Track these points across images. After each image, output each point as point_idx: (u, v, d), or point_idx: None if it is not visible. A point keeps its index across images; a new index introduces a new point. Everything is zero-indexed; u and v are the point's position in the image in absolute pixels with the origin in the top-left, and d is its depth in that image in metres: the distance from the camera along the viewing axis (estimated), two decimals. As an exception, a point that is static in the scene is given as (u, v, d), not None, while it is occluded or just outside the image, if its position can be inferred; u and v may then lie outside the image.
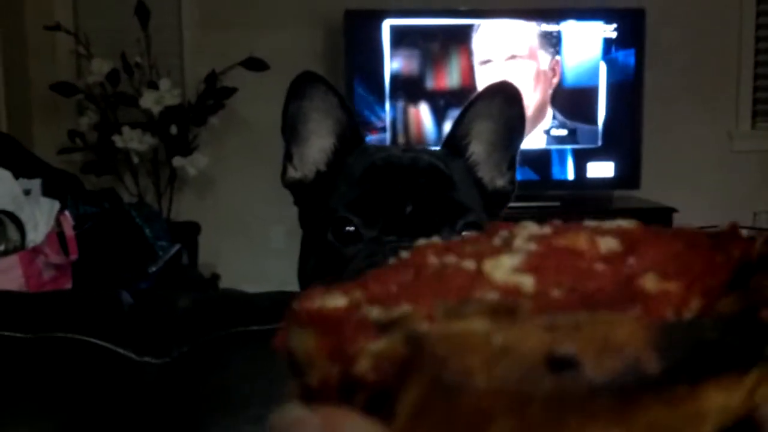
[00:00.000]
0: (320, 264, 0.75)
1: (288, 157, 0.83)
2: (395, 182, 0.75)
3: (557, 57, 3.41)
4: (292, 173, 0.83)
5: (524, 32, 3.41)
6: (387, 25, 3.37)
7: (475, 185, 0.82)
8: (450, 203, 0.75)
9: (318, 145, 0.81)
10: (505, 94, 0.82)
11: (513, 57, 3.37)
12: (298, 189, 0.83)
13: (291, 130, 0.81)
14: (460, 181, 0.78)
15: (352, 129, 0.81)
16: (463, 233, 0.75)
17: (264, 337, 0.61)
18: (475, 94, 0.83)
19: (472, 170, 0.83)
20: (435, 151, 0.82)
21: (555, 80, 3.42)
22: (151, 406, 0.57)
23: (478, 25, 3.40)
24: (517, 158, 0.87)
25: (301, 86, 0.79)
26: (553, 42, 3.40)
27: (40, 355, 0.59)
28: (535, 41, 3.40)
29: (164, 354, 0.60)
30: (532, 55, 3.40)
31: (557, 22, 3.41)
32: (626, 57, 3.42)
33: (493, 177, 0.85)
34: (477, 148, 0.83)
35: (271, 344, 0.61)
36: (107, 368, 0.59)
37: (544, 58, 3.41)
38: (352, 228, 0.73)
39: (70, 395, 0.58)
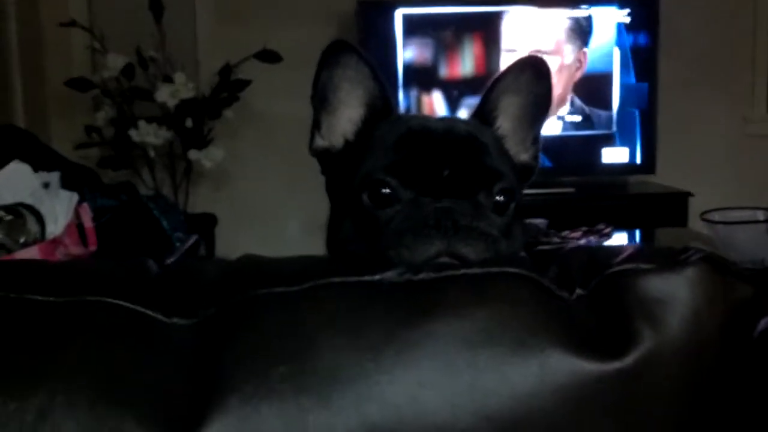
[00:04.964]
0: (355, 228, 0.76)
1: (316, 126, 0.83)
2: (432, 147, 0.75)
3: (585, 49, 3.40)
4: (320, 142, 0.83)
5: (551, 23, 3.40)
6: (399, 14, 3.37)
7: (507, 157, 0.83)
8: (486, 168, 0.76)
9: (347, 115, 0.82)
10: (535, 70, 0.82)
11: (537, 51, 3.36)
12: (324, 158, 0.84)
13: (321, 99, 0.81)
14: (494, 149, 0.79)
15: (384, 100, 0.82)
16: (497, 198, 0.75)
17: (289, 299, 0.62)
18: (504, 68, 0.83)
19: (501, 143, 0.83)
20: (467, 120, 0.83)
21: (579, 73, 3.41)
22: (180, 365, 0.59)
23: (494, 13, 3.40)
24: (540, 134, 0.87)
25: (334, 55, 0.79)
26: (582, 33, 3.39)
27: (70, 318, 0.60)
28: (562, 34, 3.39)
29: (192, 315, 0.61)
30: (557, 50, 3.39)
31: (575, 7, 3.39)
32: (640, 42, 3.41)
33: (518, 151, 0.85)
34: (504, 122, 0.84)
35: (295, 306, 0.62)
36: (136, 329, 0.60)
37: (569, 51, 3.40)
38: (388, 190, 0.73)
39: (102, 357, 0.59)
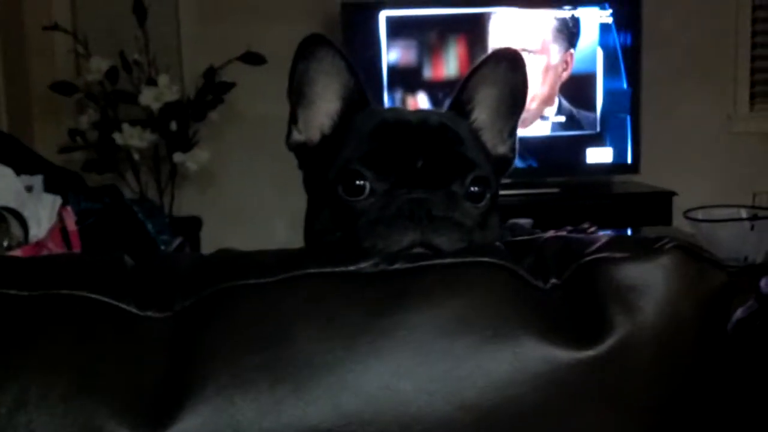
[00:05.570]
0: (330, 219, 0.76)
1: (293, 120, 0.83)
2: (406, 138, 0.75)
3: (571, 50, 3.41)
4: (297, 136, 0.83)
5: (537, 24, 3.41)
6: (383, 16, 3.37)
7: (482, 147, 0.83)
8: (460, 158, 0.76)
9: (324, 109, 0.82)
10: (510, 62, 0.83)
11: (523, 50, 3.36)
12: (302, 152, 0.84)
13: (297, 93, 0.82)
14: (468, 139, 0.79)
15: (359, 93, 0.82)
16: (471, 188, 0.76)
17: (264, 290, 0.62)
18: (479, 60, 0.83)
19: (477, 134, 0.84)
20: (442, 112, 0.83)
21: (565, 74, 3.42)
22: (154, 358, 0.58)
23: (478, 15, 3.41)
24: (518, 126, 0.87)
25: (309, 49, 0.79)
26: (569, 34, 3.40)
27: (44, 311, 0.60)
28: (549, 35, 3.40)
29: (166, 308, 0.61)
30: (544, 50, 3.40)
31: (559, 8, 3.41)
32: (623, 42, 3.43)
33: (495, 144, 0.85)
34: (480, 114, 0.84)
35: (270, 297, 0.62)
36: (110, 323, 0.60)
37: (556, 51, 3.41)
38: (363, 181, 0.74)
39: (76, 350, 0.59)
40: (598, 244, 0.65)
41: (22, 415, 0.55)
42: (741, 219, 2.07)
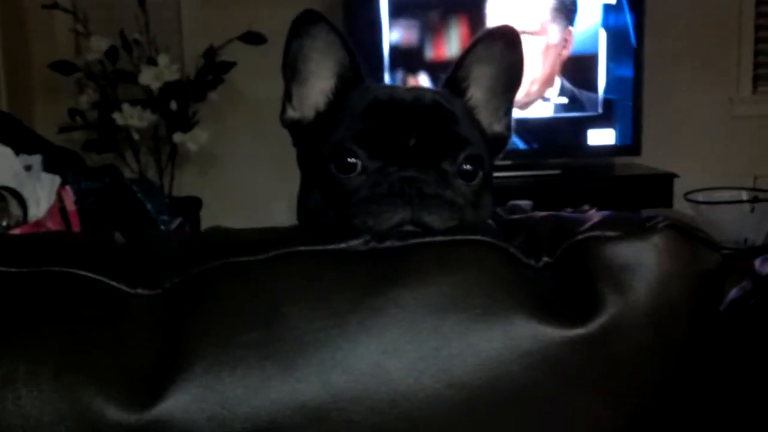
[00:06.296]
0: (322, 197, 0.76)
1: (287, 97, 0.82)
2: (398, 116, 0.75)
3: (570, 27, 3.38)
4: (291, 113, 0.83)
5: (535, 4, 3.39)
6: (385, -4, 3.36)
7: (476, 125, 0.82)
8: (452, 136, 0.76)
9: (318, 86, 0.81)
10: (506, 39, 0.82)
11: (523, 32, 3.33)
12: (296, 129, 0.84)
13: (291, 70, 0.81)
14: (462, 117, 0.78)
15: (354, 69, 0.81)
16: (464, 166, 0.75)
17: (254, 268, 0.62)
18: (475, 37, 0.82)
19: (472, 113, 0.83)
20: (437, 89, 0.83)
21: (565, 52, 3.39)
22: (143, 335, 0.58)
23: (477, -6, 3.39)
24: (514, 104, 0.87)
25: (303, 25, 0.78)
26: (567, 11, 3.38)
27: (34, 288, 0.60)
28: (547, 15, 3.37)
29: (156, 285, 0.61)
30: (542, 30, 3.37)
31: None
32: (626, 23, 3.40)
33: (491, 122, 0.85)
34: (476, 92, 0.83)
35: (260, 274, 0.62)
36: (100, 300, 0.60)
37: (555, 31, 3.39)
38: (355, 159, 0.73)
39: (65, 327, 0.59)
40: (590, 223, 0.65)
41: (10, 391, 0.55)
42: (741, 201, 2.07)
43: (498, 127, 0.85)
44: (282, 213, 3.43)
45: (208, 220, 3.39)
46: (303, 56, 0.80)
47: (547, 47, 3.39)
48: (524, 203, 2.30)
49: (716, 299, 0.68)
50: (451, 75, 0.82)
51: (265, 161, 3.52)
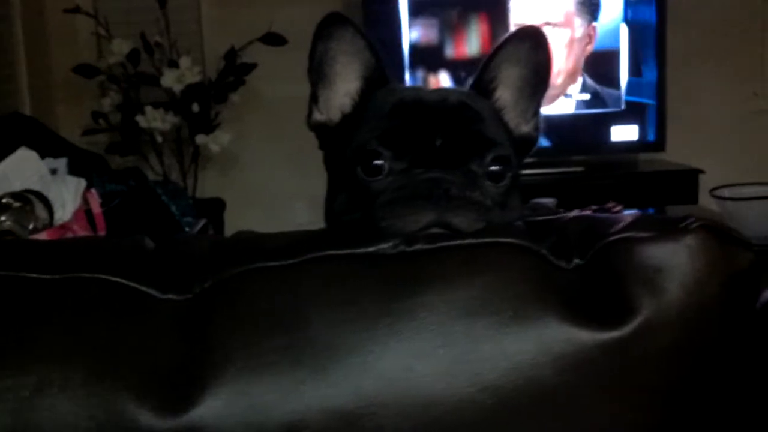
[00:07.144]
0: (349, 200, 0.76)
1: (314, 100, 0.82)
2: (424, 117, 0.74)
3: (593, 23, 3.36)
4: (318, 116, 0.83)
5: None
6: (404, -6, 3.35)
7: (503, 126, 0.82)
8: (478, 137, 0.75)
9: (344, 89, 0.81)
10: (533, 40, 0.81)
11: (547, 24, 3.32)
12: (323, 132, 0.84)
13: (317, 73, 0.81)
14: (489, 118, 0.78)
15: (379, 71, 0.81)
16: (491, 167, 0.75)
17: (284, 272, 0.62)
18: (502, 38, 0.82)
19: (499, 114, 0.83)
20: (463, 90, 0.82)
21: (590, 47, 3.37)
22: (175, 341, 0.58)
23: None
24: (542, 105, 0.86)
25: (328, 28, 0.78)
26: (591, 7, 3.36)
27: (66, 295, 0.60)
28: (571, 7, 3.36)
29: (187, 291, 0.61)
30: (567, 23, 3.36)
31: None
32: (648, 18, 3.38)
33: (519, 123, 0.84)
34: (503, 93, 0.83)
35: (290, 279, 0.61)
36: (131, 306, 0.60)
37: (579, 25, 3.37)
38: (381, 161, 0.73)
39: (97, 333, 0.59)
40: (622, 224, 0.64)
41: (45, 398, 0.55)
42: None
43: (526, 128, 0.85)
44: (303, 213, 3.43)
45: (231, 220, 3.41)
46: (328, 59, 0.80)
47: (572, 40, 3.37)
48: (548, 201, 2.30)
49: (751, 298, 0.67)
50: (478, 77, 0.82)
51: (285, 161, 3.53)
